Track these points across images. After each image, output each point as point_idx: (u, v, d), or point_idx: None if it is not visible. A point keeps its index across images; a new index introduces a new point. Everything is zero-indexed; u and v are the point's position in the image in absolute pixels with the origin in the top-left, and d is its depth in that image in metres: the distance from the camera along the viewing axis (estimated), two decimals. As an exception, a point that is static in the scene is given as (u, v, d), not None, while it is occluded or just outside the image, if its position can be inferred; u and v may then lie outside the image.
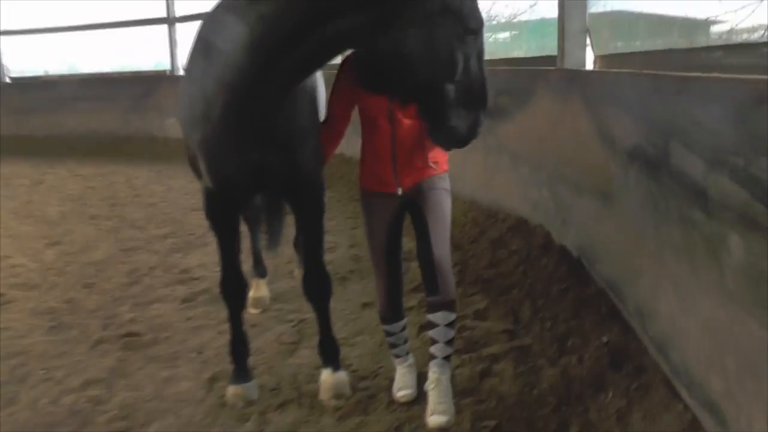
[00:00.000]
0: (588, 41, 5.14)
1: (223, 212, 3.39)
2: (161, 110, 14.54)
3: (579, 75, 4.79)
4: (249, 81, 2.71)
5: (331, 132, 3.31)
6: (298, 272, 5.44)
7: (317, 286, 3.56)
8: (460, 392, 3.45)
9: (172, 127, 14.31)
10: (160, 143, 14.11)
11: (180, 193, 9.84)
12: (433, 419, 3.18)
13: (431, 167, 3.22)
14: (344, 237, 6.71)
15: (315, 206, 3.40)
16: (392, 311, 3.48)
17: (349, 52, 3.15)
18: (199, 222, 7.73)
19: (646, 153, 3.30)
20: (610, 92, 4.01)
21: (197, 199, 8.70)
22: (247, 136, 2.97)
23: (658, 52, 4.19)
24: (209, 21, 3.07)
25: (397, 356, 3.59)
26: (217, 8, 3.01)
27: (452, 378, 3.44)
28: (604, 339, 3.70)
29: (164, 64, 15.25)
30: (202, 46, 3.03)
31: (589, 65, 5.14)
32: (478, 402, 3.38)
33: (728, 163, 2.38)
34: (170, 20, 14.58)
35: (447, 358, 3.35)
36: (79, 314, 5.10)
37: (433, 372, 3.31)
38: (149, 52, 15.61)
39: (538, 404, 3.30)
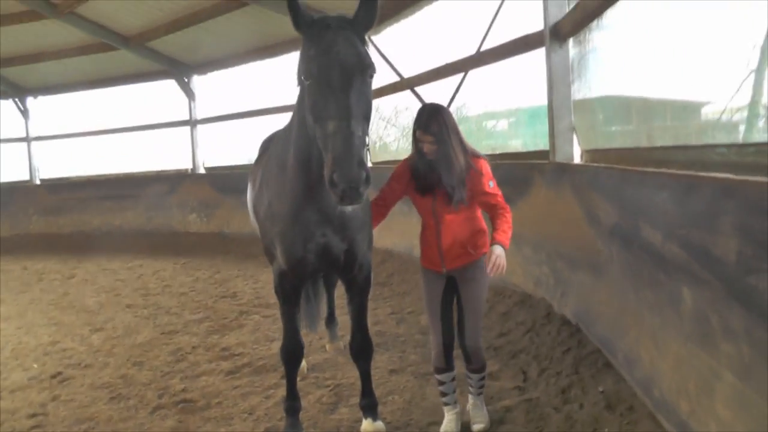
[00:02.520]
0: (575, 137, 5.99)
1: (292, 288, 4.14)
2: (183, 206, 15.41)
3: (568, 167, 5.60)
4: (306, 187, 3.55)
5: (378, 207, 4.18)
6: (329, 347, 6.14)
7: (363, 349, 4.28)
8: (480, 438, 4.10)
9: (194, 222, 15.17)
10: (183, 237, 14.91)
11: (207, 283, 10.38)
12: (475, 427, 4.22)
13: (471, 253, 4.04)
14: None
15: (365, 283, 4.17)
16: (444, 363, 4.19)
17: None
18: (230, 308, 8.40)
19: (623, 230, 4.09)
20: (593, 182, 4.81)
21: (225, 288, 9.48)
22: (314, 228, 3.79)
23: (627, 149, 5.01)
24: (279, 140, 3.99)
25: (446, 404, 4.28)
26: (282, 129, 3.97)
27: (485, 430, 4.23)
28: (600, 388, 4.38)
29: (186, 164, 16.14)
30: (276, 161, 3.92)
31: (577, 158, 5.96)
32: (495, 444, 4.03)
33: (675, 234, 3.17)
34: (192, 122, 15.58)
35: (480, 394, 4.31)
36: (134, 387, 5.64)
37: (471, 398, 4.32)
38: (172, 153, 16.37)
39: (546, 443, 3.96)
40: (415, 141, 3.94)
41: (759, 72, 3.50)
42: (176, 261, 12.67)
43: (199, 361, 6.26)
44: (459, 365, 4.31)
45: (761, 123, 3.54)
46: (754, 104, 3.59)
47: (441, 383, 4.25)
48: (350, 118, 3.06)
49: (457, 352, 4.23)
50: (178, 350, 6.69)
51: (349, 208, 3.31)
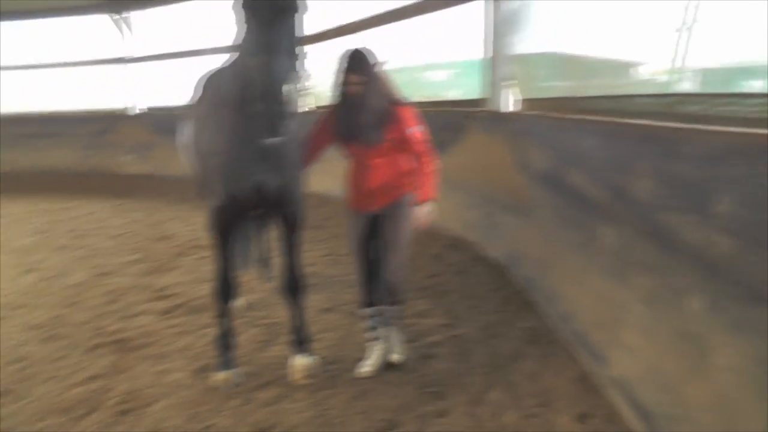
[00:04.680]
0: (511, 87, 6.13)
1: (226, 225, 4.18)
2: (118, 147, 15.04)
3: (502, 116, 5.76)
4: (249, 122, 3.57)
5: (308, 151, 4.21)
6: (263, 286, 6.20)
7: (296, 284, 4.38)
8: (407, 370, 4.29)
9: (129, 164, 14.86)
10: (118, 178, 14.55)
11: (143, 225, 10.17)
12: (394, 357, 4.36)
13: (395, 193, 4.14)
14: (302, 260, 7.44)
15: (298, 219, 4.25)
16: (367, 297, 4.36)
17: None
18: (166, 249, 8.31)
19: (551, 175, 4.28)
20: (526, 129, 4.98)
21: (161, 230, 9.39)
22: (251, 165, 3.83)
23: (562, 98, 5.17)
24: (219, 77, 3.98)
25: (371, 339, 4.43)
26: (224, 67, 3.94)
27: (402, 360, 4.38)
28: (524, 324, 4.61)
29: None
30: (215, 97, 3.95)
31: (511, 107, 6.10)
32: (422, 376, 4.20)
33: (598, 177, 3.35)
34: (126, 60, 15.03)
35: (393, 326, 4.44)
36: (69, 327, 5.55)
37: (389, 329, 4.43)
38: (107, 93, 15.86)
39: (469, 374, 4.16)
40: (340, 84, 3.98)
41: (683, 30, 3.70)
42: (111, 202, 12.33)
43: (134, 302, 6.20)
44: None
45: (683, 76, 3.75)
46: (678, 59, 3.80)
47: (364, 317, 4.43)
48: (274, 53, 3.14)
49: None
50: (113, 291, 6.60)
51: (271, 142, 3.42)
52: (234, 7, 3.34)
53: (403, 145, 4.05)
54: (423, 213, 4.04)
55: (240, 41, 3.38)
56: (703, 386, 2.43)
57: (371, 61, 3.97)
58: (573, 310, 3.96)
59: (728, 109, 3.06)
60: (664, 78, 4.54)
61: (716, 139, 2.45)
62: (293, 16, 3.32)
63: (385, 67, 4.10)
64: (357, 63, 3.93)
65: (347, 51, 4.01)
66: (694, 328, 2.48)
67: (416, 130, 4.04)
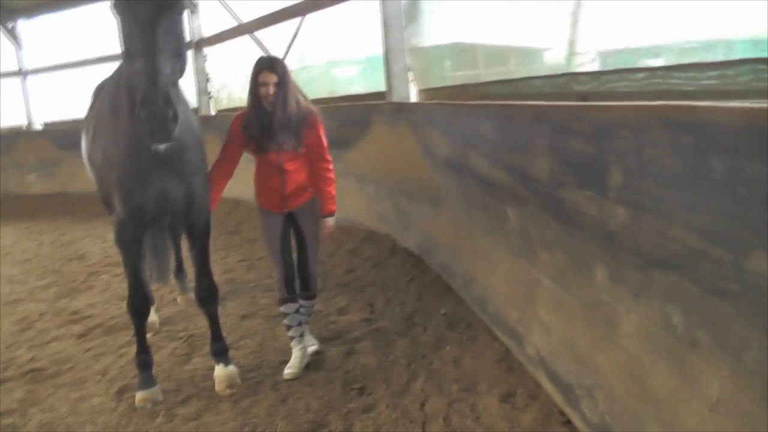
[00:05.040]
0: (411, 78, 6.19)
1: (132, 238, 4.03)
2: (20, 166, 14.28)
3: (404, 106, 5.80)
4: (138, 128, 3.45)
5: (221, 167, 4.18)
6: (180, 299, 6.06)
7: (208, 294, 4.27)
8: (330, 369, 4.27)
9: (34, 183, 14.21)
10: (22, 199, 13.85)
11: (53, 246, 9.74)
12: (311, 349, 4.50)
13: (308, 192, 4.24)
14: (218, 266, 7.31)
15: (205, 226, 4.15)
16: (288, 294, 4.33)
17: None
18: (78, 270, 7.99)
19: (454, 161, 4.35)
20: (427, 118, 5.03)
21: (72, 250, 9.04)
22: (151, 173, 3.71)
23: (460, 86, 5.26)
24: (109, 85, 3.84)
25: (292, 338, 4.40)
26: (113, 75, 3.81)
27: (324, 360, 4.40)
28: (442, 311, 4.67)
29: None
30: (108, 106, 3.77)
31: (413, 98, 6.17)
32: (345, 373, 4.19)
33: (499, 159, 3.42)
34: (22, 73, 14.28)
35: (307, 322, 4.60)
36: None
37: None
38: (3, 109, 15.03)
39: (393, 366, 4.17)
40: (254, 88, 3.99)
41: (575, 14, 3.83)
42: (17, 226, 11.74)
43: (47, 328, 5.95)
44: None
45: (576, 58, 3.87)
46: (570, 42, 3.93)
47: (285, 315, 4.40)
48: (157, 54, 3.05)
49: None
50: (23, 319, 6.29)
51: (161, 147, 3.32)
52: (113, 6, 3.22)
53: (314, 149, 4.15)
54: (330, 224, 4.32)
55: (123, 44, 3.26)
56: (612, 354, 2.51)
57: (285, 65, 4.03)
58: (488, 292, 4.03)
59: (617, 84, 3.19)
60: (563, 62, 4.70)
61: (606, 114, 2.53)
62: (174, 15, 3.21)
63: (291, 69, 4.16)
64: (271, 63, 3.98)
65: (262, 56, 4.11)
66: (600, 299, 2.56)
67: (324, 136, 4.18)
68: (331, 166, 4.27)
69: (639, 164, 2.24)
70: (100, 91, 4.63)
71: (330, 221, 4.32)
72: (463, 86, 5.12)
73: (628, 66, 3.29)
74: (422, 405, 3.65)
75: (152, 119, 2.98)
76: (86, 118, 4.67)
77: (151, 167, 3.68)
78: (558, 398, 3.10)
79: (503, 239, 3.62)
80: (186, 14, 3.33)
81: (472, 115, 3.99)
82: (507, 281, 3.67)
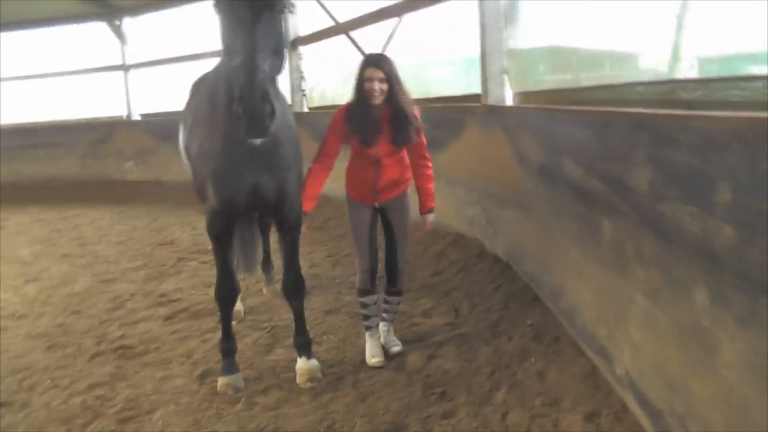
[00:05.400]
0: (507, 81, 6.07)
1: (223, 228, 4.13)
2: (119, 154, 15.03)
3: (499, 110, 5.69)
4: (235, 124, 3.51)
5: (321, 163, 4.24)
6: (266, 290, 6.19)
7: (295, 287, 4.34)
8: (412, 371, 4.25)
9: (130, 170, 14.85)
10: (119, 186, 14.56)
11: (145, 231, 10.23)
12: (394, 350, 4.52)
13: (401, 187, 4.32)
14: (304, 261, 7.38)
15: (295, 221, 4.20)
16: (370, 285, 4.40)
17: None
18: (168, 255, 8.34)
19: (548, 168, 4.22)
20: (522, 123, 4.92)
21: (163, 236, 9.39)
22: (245, 167, 3.78)
23: (556, 90, 5.11)
24: (208, 81, 3.95)
25: (369, 328, 4.49)
26: (212, 71, 3.91)
27: (405, 362, 4.38)
28: (529, 321, 4.56)
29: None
30: (206, 101, 3.87)
31: (508, 101, 6.05)
32: (427, 377, 4.15)
33: (595, 168, 3.29)
34: (125, 67, 15.00)
35: (392, 321, 4.70)
36: (72, 335, 5.58)
37: (384, 325, 4.64)
38: (106, 100, 15.81)
39: (475, 373, 4.10)
40: (360, 83, 4.03)
41: (680, 17, 3.65)
42: (113, 210, 12.41)
43: (137, 308, 6.24)
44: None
45: (680, 64, 3.69)
46: (675, 47, 3.75)
47: (365, 306, 4.45)
48: (256, 52, 3.10)
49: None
50: (115, 298, 6.64)
51: (257, 142, 3.35)
52: (216, 4, 3.30)
53: (414, 146, 4.24)
54: (430, 220, 4.44)
55: (223, 42, 3.34)
56: (710, 382, 2.36)
57: (393, 62, 4.08)
58: (577, 305, 3.89)
59: (728, 93, 3.00)
60: (663, 68, 4.50)
61: (714, 125, 2.38)
62: (276, 15, 3.26)
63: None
64: (378, 60, 4.05)
65: (369, 53, 4.27)
66: (699, 323, 2.41)
67: (422, 133, 4.25)
68: (430, 164, 4.34)
69: (751, 181, 2.09)
70: (198, 86, 4.78)
71: (430, 218, 4.43)
72: (560, 90, 4.98)
73: (736, 74, 3.10)
74: (503, 416, 3.57)
75: (250, 115, 3.04)
76: (184, 111, 4.81)
77: (246, 161, 3.76)
78: (646, 423, 2.94)
79: (595, 251, 3.48)
80: (286, 13, 3.36)
81: (569, 121, 3.86)
82: (597, 295, 3.53)
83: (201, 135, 4.01)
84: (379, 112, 4.04)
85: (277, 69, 3.34)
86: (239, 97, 3.03)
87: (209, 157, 3.91)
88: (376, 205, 4.31)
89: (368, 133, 4.08)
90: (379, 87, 3.96)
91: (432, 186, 4.39)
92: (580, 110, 3.77)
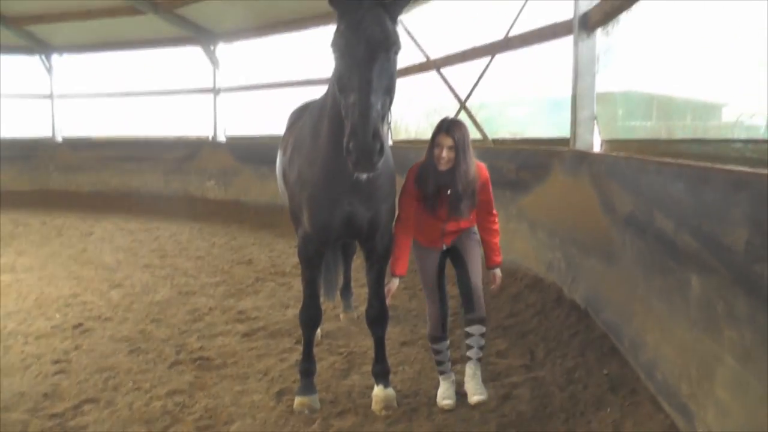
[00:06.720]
0: (596, 126, 6.10)
1: (315, 253, 4.29)
2: (202, 173, 15.57)
3: (587, 156, 5.71)
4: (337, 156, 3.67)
5: (405, 227, 4.33)
6: (343, 316, 6.32)
7: (378, 316, 4.45)
8: (486, 410, 4.26)
9: (211, 189, 15.33)
10: (200, 203, 15.09)
11: (224, 248, 10.56)
12: (474, 399, 4.32)
13: (467, 227, 4.38)
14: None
15: (385, 252, 4.33)
16: (441, 332, 4.43)
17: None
18: (246, 273, 8.59)
19: (637, 219, 4.23)
20: (611, 171, 4.93)
21: (241, 255, 9.68)
22: (342, 196, 3.94)
23: (647, 140, 5.11)
24: (311, 112, 4.15)
25: (442, 372, 4.49)
26: (316, 102, 4.12)
27: (482, 401, 4.36)
28: (605, 371, 4.53)
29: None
30: (309, 130, 4.06)
31: (596, 147, 6.07)
32: (501, 416, 4.17)
33: (687, 223, 3.31)
34: (216, 90, 15.64)
35: (479, 359, 4.47)
36: (153, 342, 5.86)
37: (470, 368, 4.46)
38: (193, 120, 16.44)
39: (550, 419, 4.10)
40: (431, 146, 4.13)
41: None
42: (193, 226, 12.83)
43: (215, 322, 6.45)
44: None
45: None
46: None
47: (437, 352, 4.47)
48: (370, 91, 3.23)
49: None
50: (195, 310, 6.88)
51: (363, 176, 3.51)
52: (333, 43, 3.47)
53: (482, 205, 4.30)
54: (498, 275, 4.49)
55: (335, 76, 3.50)
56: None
57: (465, 129, 4.14)
58: (658, 360, 3.87)
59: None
60: (752, 120, 4.48)
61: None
62: (389, 55, 3.41)
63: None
64: (449, 127, 4.09)
65: (444, 118, 4.23)
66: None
67: (491, 190, 4.31)
68: (497, 219, 4.41)
69: None
70: (299, 114, 4.99)
71: (498, 272, 4.49)
72: (651, 141, 4.99)
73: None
74: (577, 465, 3.57)
75: (361, 151, 3.16)
76: (284, 137, 5.03)
77: (343, 191, 3.92)
78: (728, 486, 2.92)
79: (682, 307, 3.48)
80: (398, 54, 3.51)
81: (662, 173, 3.88)
82: (681, 352, 3.51)
83: (301, 162, 4.19)
84: (446, 177, 4.09)
85: (388, 107, 3.48)
86: (352, 133, 3.17)
87: (307, 184, 4.08)
88: (444, 247, 4.39)
89: (430, 201, 4.18)
90: (447, 155, 4.04)
91: (498, 241, 4.43)
92: (675, 163, 3.78)
